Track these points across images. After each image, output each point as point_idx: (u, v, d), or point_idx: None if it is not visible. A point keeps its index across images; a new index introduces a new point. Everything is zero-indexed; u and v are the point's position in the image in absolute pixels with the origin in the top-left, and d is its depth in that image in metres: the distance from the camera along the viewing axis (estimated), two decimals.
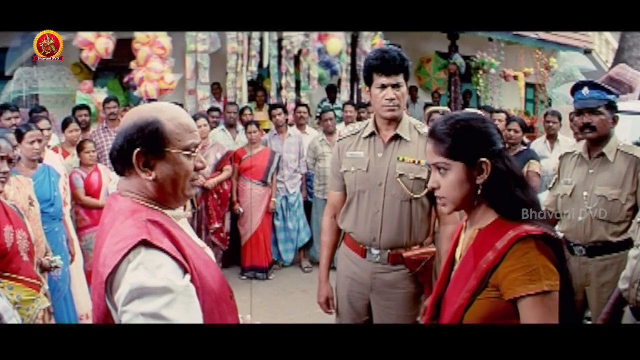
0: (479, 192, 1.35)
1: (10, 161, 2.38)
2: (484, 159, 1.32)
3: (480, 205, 1.37)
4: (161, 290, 1.08)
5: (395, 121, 2.26)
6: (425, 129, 2.29)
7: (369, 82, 2.25)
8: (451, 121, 1.38)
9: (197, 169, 1.31)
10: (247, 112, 5.82)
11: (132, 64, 5.56)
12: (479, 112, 4.28)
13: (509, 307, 1.28)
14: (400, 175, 2.21)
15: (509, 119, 4.80)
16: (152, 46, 5.51)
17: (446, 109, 5.05)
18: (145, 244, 1.12)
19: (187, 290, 1.12)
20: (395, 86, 2.18)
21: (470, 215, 1.41)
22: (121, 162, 1.27)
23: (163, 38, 5.57)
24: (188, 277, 1.15)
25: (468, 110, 4.85)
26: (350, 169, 2.31)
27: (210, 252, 1.38)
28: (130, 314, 1.07)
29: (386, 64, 2.17)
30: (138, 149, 1.23)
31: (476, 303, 1.31)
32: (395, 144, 2.26)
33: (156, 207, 1.27)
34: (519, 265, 1.25)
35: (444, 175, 1.36)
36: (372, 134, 2.31)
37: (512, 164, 1.36)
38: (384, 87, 2.19)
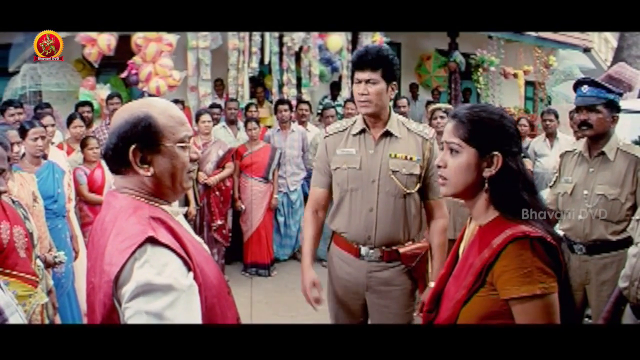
0: (485, 186, 1.34)
1: (8, 159, 2.39)
2: (496, 152, 1.32)
3: (481, 199, 1.37)
4: (166, 288, 1.09)
5: (374, 117, 2.23)
6: (413, 125, 2.29)
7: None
8: (478, 108, 1.39)
9: (192, 160, 1.31)
10: (252, 108, 5.80)
11: (137, 59, 5.54)
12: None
13: (506, 306, 1.27)
14: (394, 172, 2.19)
15: None
16: (158, 42, 5.50)
17: (449, 106, 5.06)
18: (151, 241, 1.13)
19: (190, 289, 1.13)
20: (368, 82, 2.15)
21: (471, 208, 1.41)
22: (117, 160, 1.26)
23: (169, 34, 5.56)
24: (191, 274, 1.16)
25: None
26: (341, 166, 2.27)
27: (206, 247, 1.39)
28: (132, 310, 1.08)
29: (359, 59, 2.18)
30: (134, 146, 1.23)
31: (474, 299, 1.31)
32: (386, 141, 2.24)
33: (155, 203, 1.28)
34: (513, 266, 1.24)
35: (454, 156, 1.36)
36: (363, 131, 2.27)
37: (525, 167, 1.36)
38: (359, 82, 2.18)
